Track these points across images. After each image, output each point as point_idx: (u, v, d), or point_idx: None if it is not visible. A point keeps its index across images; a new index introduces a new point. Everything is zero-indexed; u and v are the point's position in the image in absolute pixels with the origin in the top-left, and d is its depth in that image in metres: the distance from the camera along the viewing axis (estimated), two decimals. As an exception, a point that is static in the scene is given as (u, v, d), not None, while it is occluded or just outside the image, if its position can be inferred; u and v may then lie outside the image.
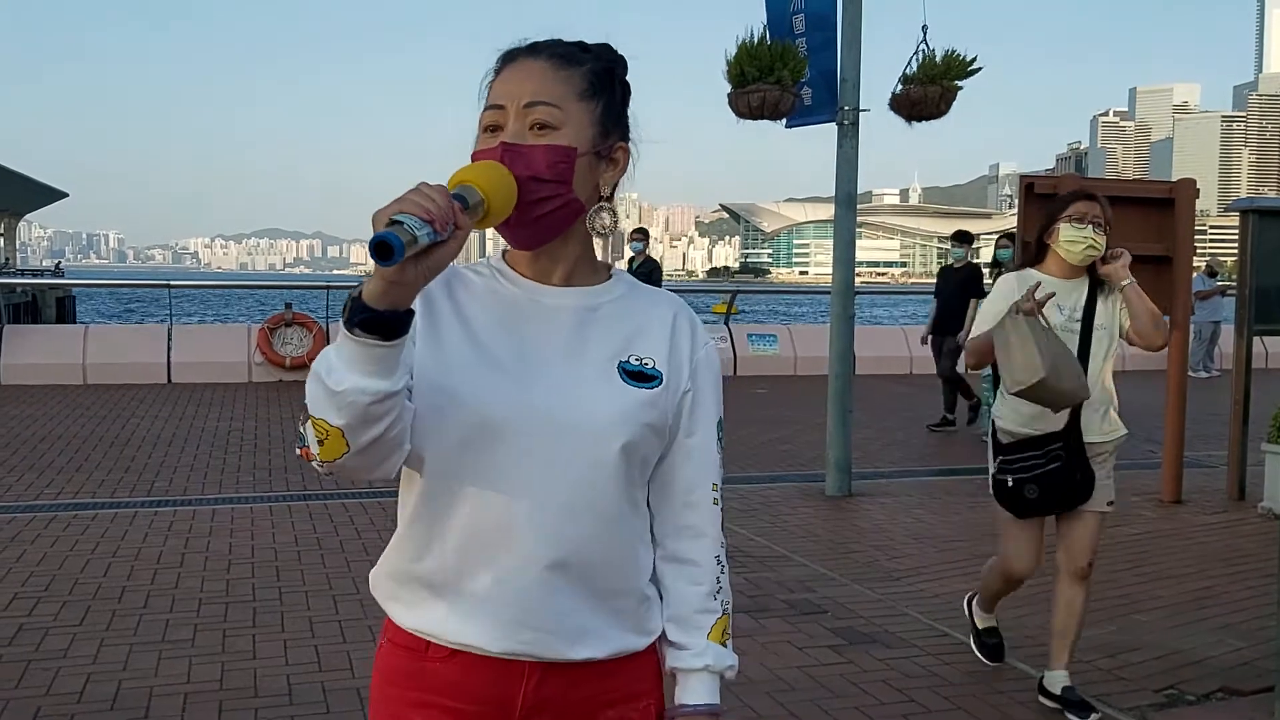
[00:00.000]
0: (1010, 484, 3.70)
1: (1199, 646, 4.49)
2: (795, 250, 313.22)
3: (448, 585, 1.41)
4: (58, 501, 6.84)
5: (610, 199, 1.46)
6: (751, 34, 7.17)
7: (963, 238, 10.74)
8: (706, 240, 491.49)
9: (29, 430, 9.44)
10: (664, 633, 1.53)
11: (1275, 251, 7.35)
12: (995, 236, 10.22)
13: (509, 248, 1.48)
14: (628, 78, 1.48)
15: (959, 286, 10.25)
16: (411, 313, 1.21)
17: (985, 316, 3.71)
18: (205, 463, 8.16)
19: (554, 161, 1.36)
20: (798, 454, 9.00)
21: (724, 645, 1.53)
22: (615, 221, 1.45)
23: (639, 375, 1.44)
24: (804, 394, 12.26)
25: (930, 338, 10.64)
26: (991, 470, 3.81)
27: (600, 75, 1.43)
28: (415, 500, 1.42)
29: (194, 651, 4.25)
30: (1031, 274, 3.75)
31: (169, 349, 13.22)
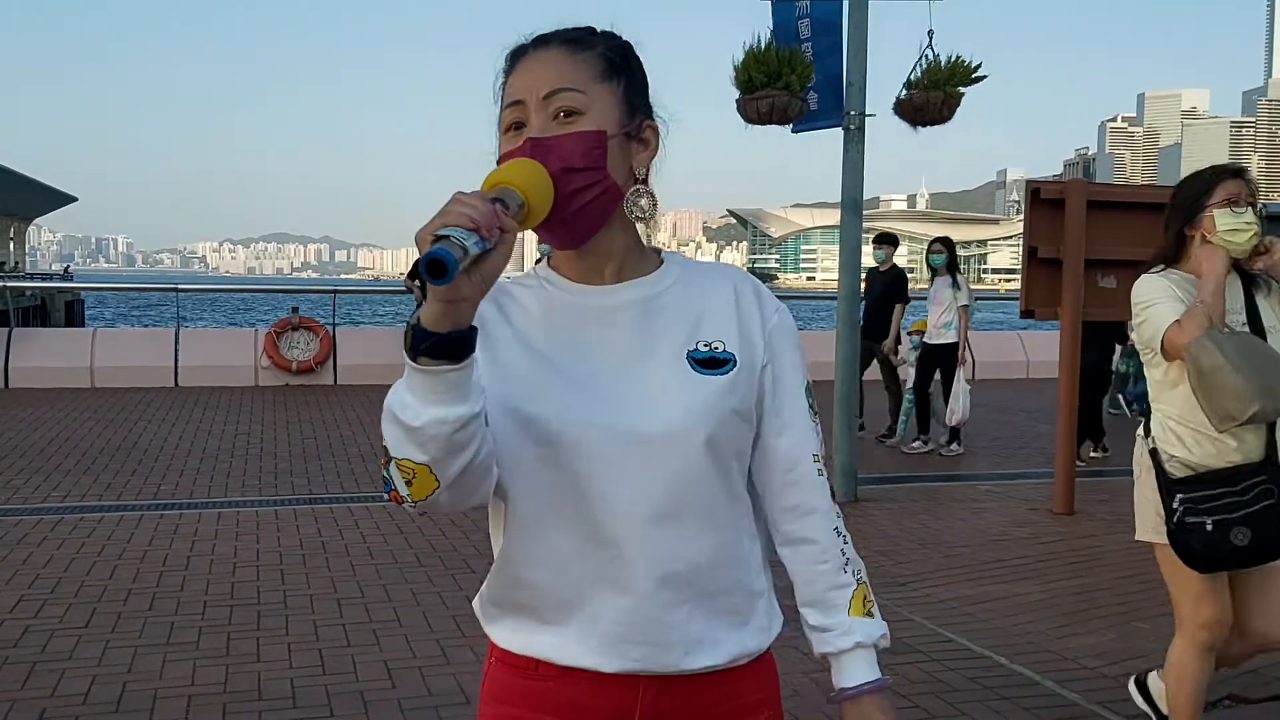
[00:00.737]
0: (1210, 527, 2.88)
1: (1205, 654, 4.46)
2: (802, 256, 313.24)
3: (549, 609, 1.35)
4: (64, 504, 6.86)
5: (645, 181, 1.37)
6: (758, 40, 7.18)
7: (885, 239, 10.06)
8: (714, 245, 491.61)
9: (36, 433, 9.47)
10: (805, 619, 1.47)
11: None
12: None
13: (552, 254, 1.41)
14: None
15: (882, 293, 9.69)
16: (475, 329, 1.15)
17: (1159, 321, 2.99)
18: (211, 466, 8.18)
19: (587, 148, 1.28)
20: (803, 459, 8.96)
21: (870, 616, 1.45)
22: (654, 204, 1.36)
23: (710, 362, 1.35)
24: (810, 399, 12.21)
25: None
26: (1173, 513, 2.96)
27: (616, 54, 1.36)
28: (504, 527, 1.37)
29: (198, 654, 4.26)
30: (1178, 275, 3.07)
31: (176, 353, 13.25)
